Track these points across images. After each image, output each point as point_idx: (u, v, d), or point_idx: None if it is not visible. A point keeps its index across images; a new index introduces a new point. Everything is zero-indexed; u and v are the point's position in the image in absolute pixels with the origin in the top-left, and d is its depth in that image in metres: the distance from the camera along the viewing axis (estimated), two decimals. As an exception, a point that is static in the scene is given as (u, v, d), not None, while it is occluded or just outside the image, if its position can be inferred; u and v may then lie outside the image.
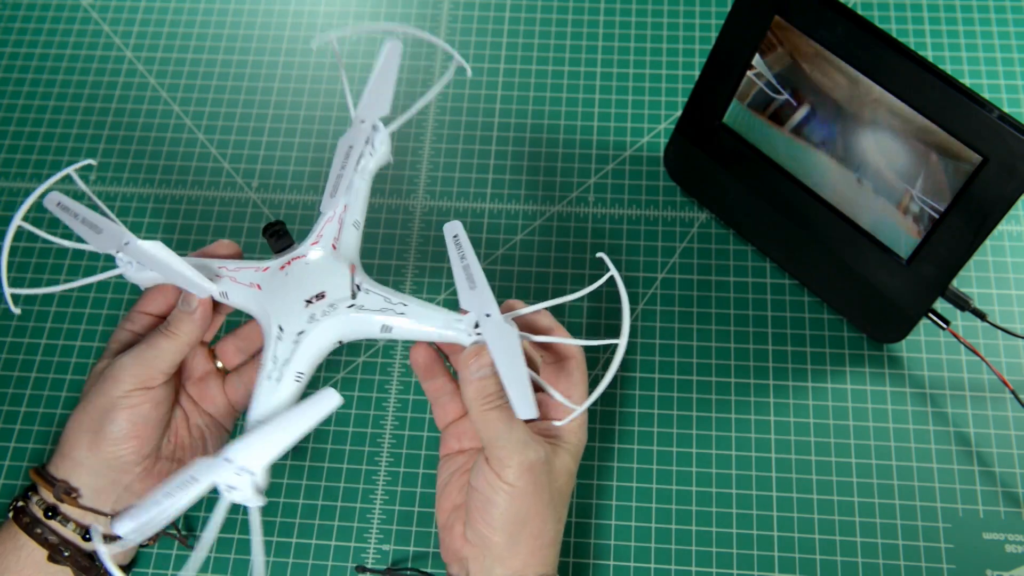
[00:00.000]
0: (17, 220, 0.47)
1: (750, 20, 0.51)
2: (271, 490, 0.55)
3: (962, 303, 0.52)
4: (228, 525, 0.54)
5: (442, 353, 0.50)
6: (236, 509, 0.54)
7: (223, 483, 0.40)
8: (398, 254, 0.61)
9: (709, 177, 0.58)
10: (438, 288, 0.60)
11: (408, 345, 0.58)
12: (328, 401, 0.42)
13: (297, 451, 0.56)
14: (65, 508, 0.46)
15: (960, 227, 0.47)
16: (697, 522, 0.53)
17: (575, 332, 0.58)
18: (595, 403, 0.46)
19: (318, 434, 0.56)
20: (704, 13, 0.68)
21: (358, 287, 0.46)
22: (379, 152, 0.50)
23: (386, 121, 0.50)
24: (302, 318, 0.45)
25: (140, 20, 0.70)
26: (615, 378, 0.57)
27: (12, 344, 0.60)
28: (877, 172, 0.49)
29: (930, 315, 0.53)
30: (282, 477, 0.55)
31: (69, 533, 0.46)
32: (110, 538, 0.47)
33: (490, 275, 0.60)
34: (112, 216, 0.47)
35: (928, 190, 0.48)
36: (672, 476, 0.54)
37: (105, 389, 0.45)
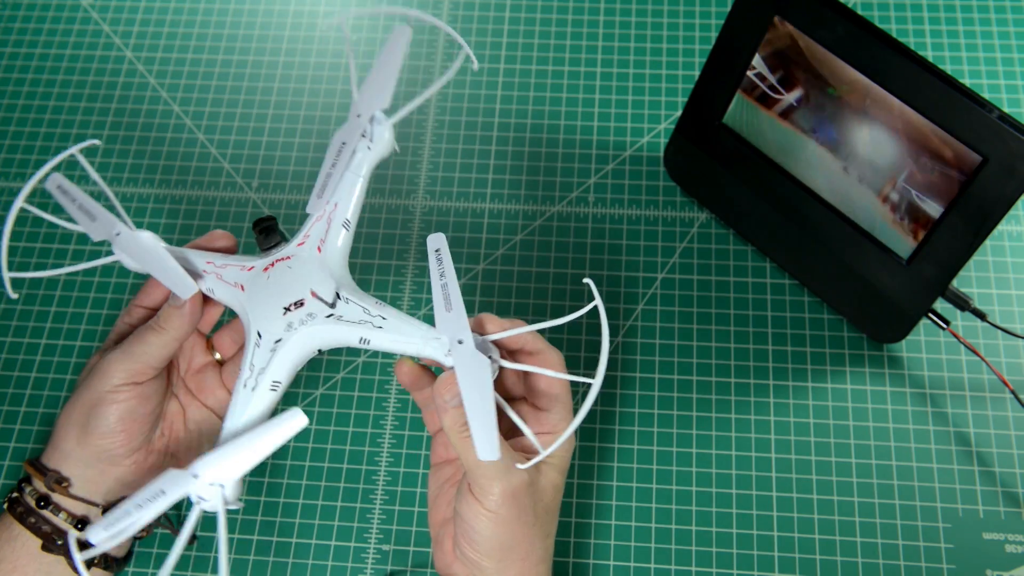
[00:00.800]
0: (19, 202, 0.47)
1: (750, 20, 0.51)
2: (271, 489, 0.55)
3: (962, 303, 0.52)
4: (227, 525, 0.54)
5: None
6: (235, 509, 0.54)
7: (192, 495, 0.40)
8: (398, 254, 0.61)
9: (709, 177, 0.58)
10: (438, 288, 0.60)
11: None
12: (295, 422, 0.41)
13: (297, 451, 0.56)
14: (57, 498, 0.46)
15: (960, 227, 0.47)
16: (697, 522, 0.53)
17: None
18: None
19: (318, 434, 0.56)
20: (704, 13, 0.68)
21: (338, 296, 0.45)
22: (378, 145, 0.48)
23: (387, 113, 0.48)
24: (279, 325, 0.44)
25: (140, 20, 0.70)
26: (615, 378, 0.57)
27: (12, 343, 0.60)
28: (864, 161, 0.49)
29: (930, 315, 0.53)
30: (282, 477, 0.55)
31: (61, 523, 0.46)
32: (84, 544, 0.47)
33: (490, 275, 0.60)
34: (115, 201, 0.47)
35: (925, 189, 0.48)
36: (672, 476, 0.54)
37: (93, 383, 0.45)
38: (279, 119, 0.66)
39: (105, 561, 0.49)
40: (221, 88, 0.67)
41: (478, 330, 0.44)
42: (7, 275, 0.47)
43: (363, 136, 0.47)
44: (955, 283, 0.51)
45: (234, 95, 0.67)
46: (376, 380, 0.58)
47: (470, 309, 0.46)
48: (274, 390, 0.44)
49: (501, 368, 0.43)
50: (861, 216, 0.52)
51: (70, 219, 0.47)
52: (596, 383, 0.41)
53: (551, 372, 0.44)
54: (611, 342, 0.58)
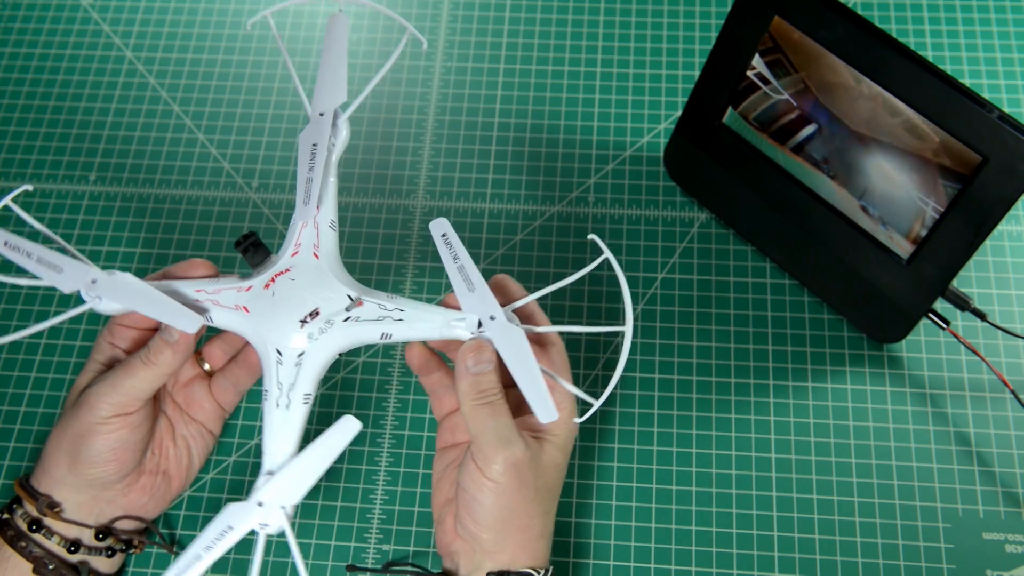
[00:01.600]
0: None
1: (750, 20, 0.51)
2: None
3: (962, 303, 0.52)
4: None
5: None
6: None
7: (261, 525, 0.41)
8: (398, 254, 0.61)
9: (709, 177, 0.58)
10: (438, 288, 0.60)
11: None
12: (349, 428, 0.42)
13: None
14: (49, 522, 0.46)
15: (960, 227, 0.47)
16: (697, 522, 0.53)
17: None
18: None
19: (318, 434, 0.56)
20: (704, 13, 0.68)
21: (351, 298, 0.45)
22: (339, 140, 0.47)
23: (344, 106, 0.48)
24: (300, 339, 0.44)
25: (140, 20, 0.70)
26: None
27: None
28: (883, 199, 0.49)
29: (930, 315, 0.53)
30: (282, 477, 0.55)
31: (54, 546, 0.46)
32: (97, 550, 0.47)
33: (490, 275, 0.60)
34: (70, 248, 0.45)
35: (927, 190, 0.48)
36: (672, 476, 0.54)
37: (82, 414, 0.45)
38: (279, 119, 0.66)
39: (89, 575, 0.49)
40: (221, 88, 0.67)
41: (502, 296, 0.45)
42: None
43: (330, 136, 0.46)
44: (955, 283, 0.51)
45: (234, 95, 0.67)
46: (376, 380, 0.58)
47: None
48: (306, 403, 0.44)
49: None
50: (862, 217, 0.52)
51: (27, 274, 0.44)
52: (628, 331, 0.43)
53: (579, 328, 0.46)
54: (611, 343, 0.58)
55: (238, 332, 0.45)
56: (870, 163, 0.49)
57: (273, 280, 0.45)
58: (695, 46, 0.67)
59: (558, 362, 0.46)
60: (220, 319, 0.45)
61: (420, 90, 0.67)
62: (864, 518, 0.53)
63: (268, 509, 0.41)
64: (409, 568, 0.52)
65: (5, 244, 0.45)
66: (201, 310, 0.44)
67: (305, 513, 0.54)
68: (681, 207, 0.62)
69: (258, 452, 0.55)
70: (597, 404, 0.43)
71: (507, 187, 0.63)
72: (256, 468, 0.55)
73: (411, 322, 0.44)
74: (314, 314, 0.44)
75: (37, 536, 0.46)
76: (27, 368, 0.59)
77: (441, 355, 0.50)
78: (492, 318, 0.43)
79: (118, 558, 0.50)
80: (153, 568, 0.53)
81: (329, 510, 0.54)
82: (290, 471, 0.42)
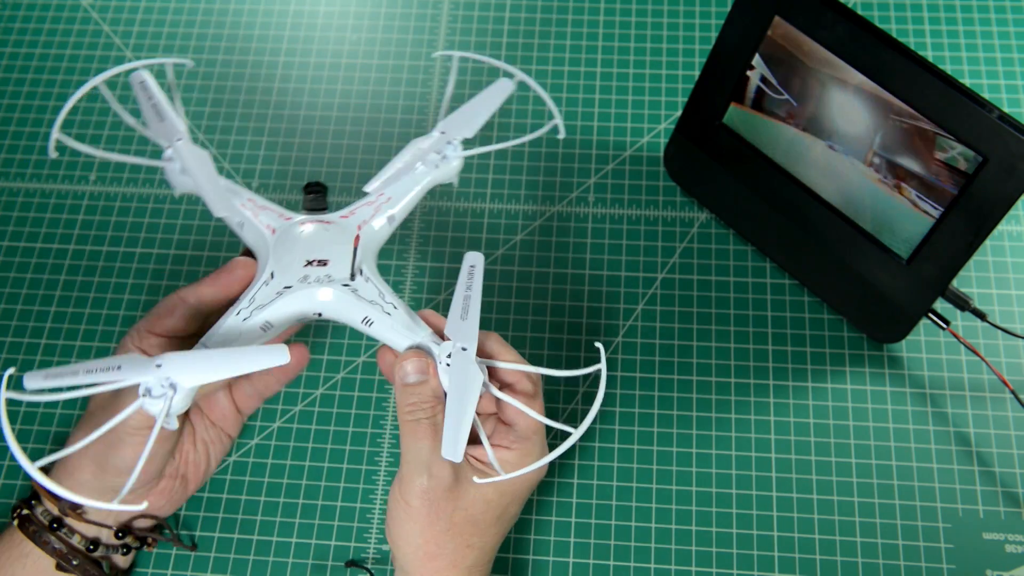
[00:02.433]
0: (96, 80, 0.49)
1: (750, 20, 0.51)
2: (272, 489, 0.55)
3: (962, 303, 0.52)
4: (228, 525, 0.54)
5: None
6: (236, 508, 0.54)
7: (144, 385, 0.39)
8: (398, 254, 0.61)
9: (709, 177, 0.58)
10: (438, 288, 0.60)
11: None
12: (275, 355, 0.40)
13: (297, 451, 0.56)
14: (70, 520, 0.47)
15: (960, 227, 0.47)
16: (697, 522, 0.53)
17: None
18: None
19: (318, 434, 0.56)
20: (704, 13, 0.68)
21: (360, 271, 0.45)
22: (445, 168, 0.49)
23: (465, 145, 0.50)
24: (295, 275, 0.45)
25: (140, 20, 0.70)
26: (615, 378, 0.57)
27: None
28: (843, 134, 0.49)
29: (930, 315, 0.53)
30: (282, 477, 0.55)
31: (75, 543, 0.47)
32: (114, 547, 0.48)
33: (490, 275, 0.60)
34: (182, 115, 0.49)
35: (924, 188, 0.48)
36: (672, 476, 0.54)
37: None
38: (279, 119, 0.66)
39: (110, 569, 0.50)
40: (221, 88, 0.67)
41: (483, 348, 0.44)
42: (56, 135, 0.47)
43: (437, 153, 0.49)
44: (955, 283, 0.51)
45: (234, 95, 0.67)
46: (376, 380, 0.58)
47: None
48: (264, 330, 0.44)
49: (484, 390, 0.43)
50: (862, 215, 0.52)
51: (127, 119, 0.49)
52: (576, 433, 0.41)
53: (533, 413, 0.44)
54: (610, 343, 0.58)
55: (252, 247, 0.47)
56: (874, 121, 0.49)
57: (311, 223, 0.47)
58: (695, 46, 0.67)
59: (536, 405, 0.45)
60: (247, 230, 0.47)
61: (420, 90, 0.67)
62: (864, 518, 0.53)
63: (160, 376, 0.39)
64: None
65: (140, 83, 0.50)
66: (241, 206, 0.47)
67: (305, 513, 0.54)
68: (681, 207, 0.62)
69: (258, 452, 0.56)
70: (576, 435, 0.42)
71: (507, 187, 0.63)
72: (256, 468, 0.55)
73: (395, 322, 0.44)
74: (322, 262, 0.45)
75: (59, 534, 0.47)
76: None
77: None
78: (464, 349, 0.43)
79: (132, 554, 0.51)
80: (152, 568, 0.53)
81: (329, 510, 0.54)
82: (204, 355, 0.40)
